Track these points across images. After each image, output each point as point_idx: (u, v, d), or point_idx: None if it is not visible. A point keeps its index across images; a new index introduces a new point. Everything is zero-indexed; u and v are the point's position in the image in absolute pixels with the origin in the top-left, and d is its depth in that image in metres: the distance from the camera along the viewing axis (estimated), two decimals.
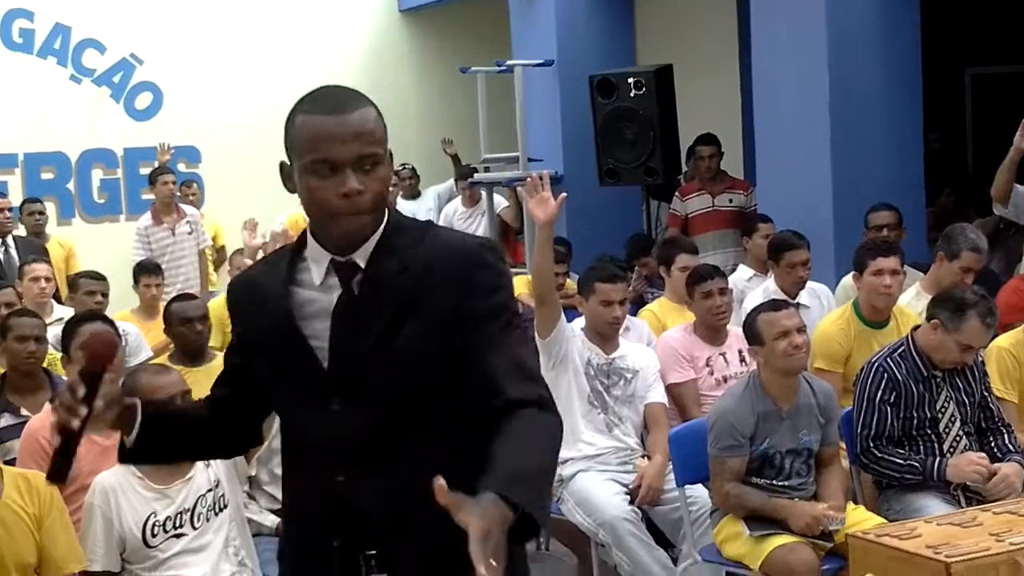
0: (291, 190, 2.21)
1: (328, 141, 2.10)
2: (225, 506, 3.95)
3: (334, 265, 2.19)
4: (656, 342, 5.50)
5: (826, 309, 6.03)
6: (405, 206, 9.90)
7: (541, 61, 9.21)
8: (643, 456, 4.94)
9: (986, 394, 4.58)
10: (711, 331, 5.34)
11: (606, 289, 4.94)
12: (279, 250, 2.34)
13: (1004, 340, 4.91)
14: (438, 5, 11.66)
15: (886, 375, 4.43)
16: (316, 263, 2.21)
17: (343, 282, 2.18)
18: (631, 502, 4.72)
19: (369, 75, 11.01)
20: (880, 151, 7.22)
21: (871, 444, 4.45)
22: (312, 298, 2.20)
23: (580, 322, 5.11)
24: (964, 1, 10.37)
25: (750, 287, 6.57)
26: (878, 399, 4.43)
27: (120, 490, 3.77)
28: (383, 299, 2.15)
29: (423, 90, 11.86)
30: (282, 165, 2.21)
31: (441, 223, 7.81)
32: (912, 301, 5.58)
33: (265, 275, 2.29)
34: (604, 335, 4.99)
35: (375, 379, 2.15)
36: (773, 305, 4.49)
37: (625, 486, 4.79)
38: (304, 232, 2.26)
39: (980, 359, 4.63)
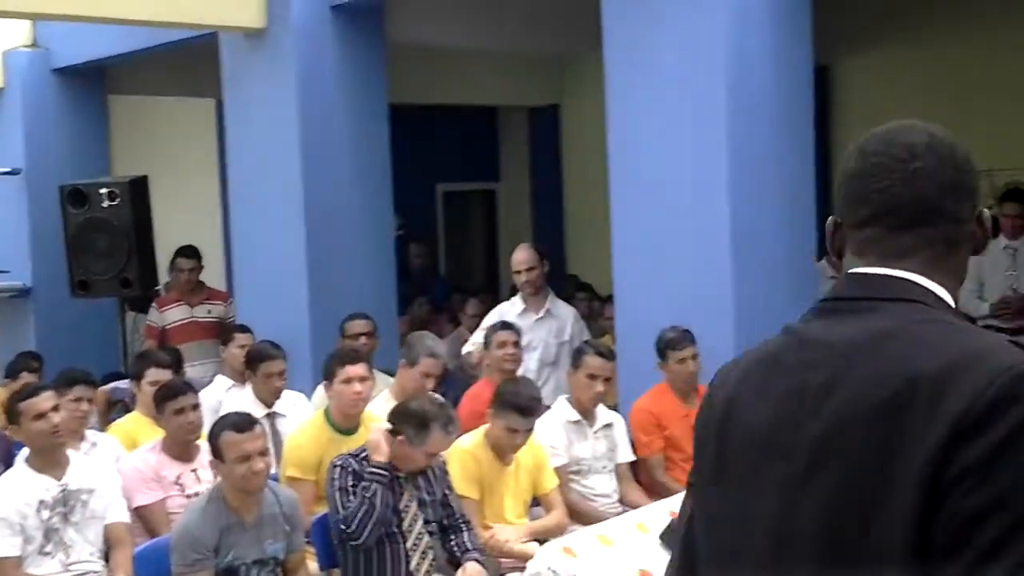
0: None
1: None
2: None
3: None
4: (122, 460, 5.28)
5: (303, 418, 6.08)
6: None
7: (8, 169, 8.77)
8: None
9: (447, 492, 4.78)
10: (181, 447, 5.20)
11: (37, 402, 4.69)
12: None
13: (466, 441, 5.17)
14: None
15: (339, 467, 4.57)
16: None
17: None
18: None
19: None
20: (353, 261, 7.47)
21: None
22: None
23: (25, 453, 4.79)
24: (433, 123, 11.04)
25: (229, 397, 6.51)
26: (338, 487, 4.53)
27: None
28: None
29: None
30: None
31: None
32: (383, 406, 5.75)
33: None
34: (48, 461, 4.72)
35: None
36: (237, 425, 4.39)
37: None
38: None
39: (441, 459, 4.84)
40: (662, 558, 3.67)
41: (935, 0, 8.85)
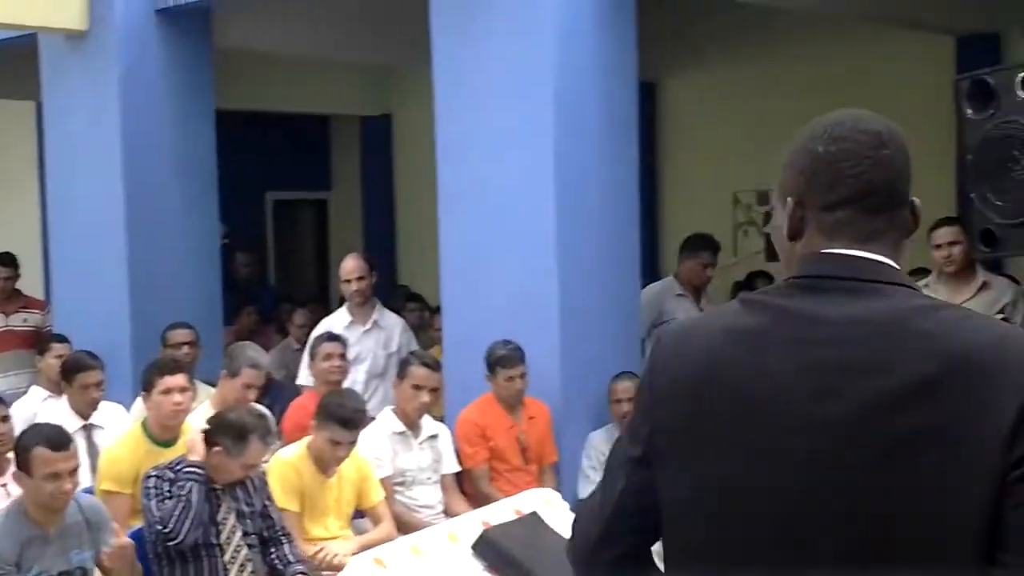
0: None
1: None
2: None
3: None
4: None
5: (121, 430, 5.92)
6: None
7: None
8: None
9: (267, 504, 4.71)
10: None
11: None
12: None
13: (288, 453, 5.10)
14: None
15: (154, 477, 4.49)
16: None
17: None
18: None
19: None
20: (177, 269, 7.31)
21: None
22: None
23: None
24: (265, 130, 10.89)
25: (44, 408, 6.30)
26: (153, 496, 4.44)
27: None
28: None
29: None
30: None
31: None
32: (203, 417, 5.64)
33: None
34: None
35: None
36: (52, 441, 4.15)
37: None
38: None
39: (261, 470, 4.77)
40: (472, 567, 3.70)
41: (758, 22, 9.12)
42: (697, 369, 1.67)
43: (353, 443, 5.04)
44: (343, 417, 4.95)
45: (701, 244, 7.11)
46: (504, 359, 5.70)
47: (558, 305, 5.79)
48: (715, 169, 10.01)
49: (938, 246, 5.82)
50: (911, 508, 1.50)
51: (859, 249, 1.66)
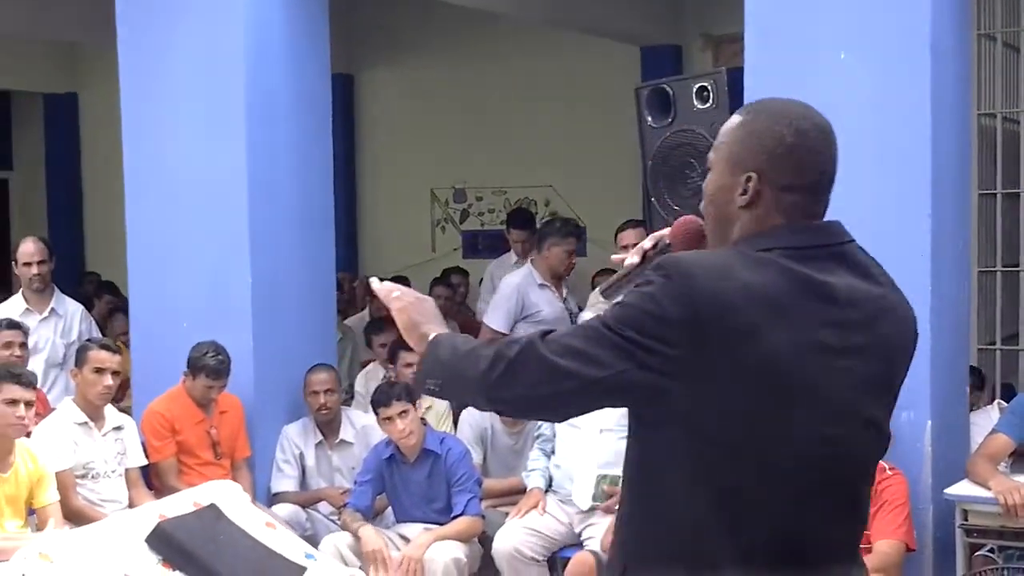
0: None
1: None
2: None
3: None
4: None
5: None
6: None
7: None
8: None
9: None
10: None
11: None
12: None
13: None
14: None
15: None
16: None
17: None
18: None
19: None
20: None
21: None
22: None
23: None
24: None
25: None
26: None
27: None
28: None
29: None
30: None
31: None
32: None
33: None
34: None
35: None
36: None
37: None
38: None
39: None
40: (147, 561, 3.60)
41: (455, 23, 9.28)
42: (757, 310, 1.86)
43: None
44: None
45: (568, 230, 6.85)
46: (211, 371, 5.55)
47: (251, 297, 5.73)
48: (414, 165, 10.13)
49: (623, 247, 6.10)
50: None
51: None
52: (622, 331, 1.86)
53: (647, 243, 2.20)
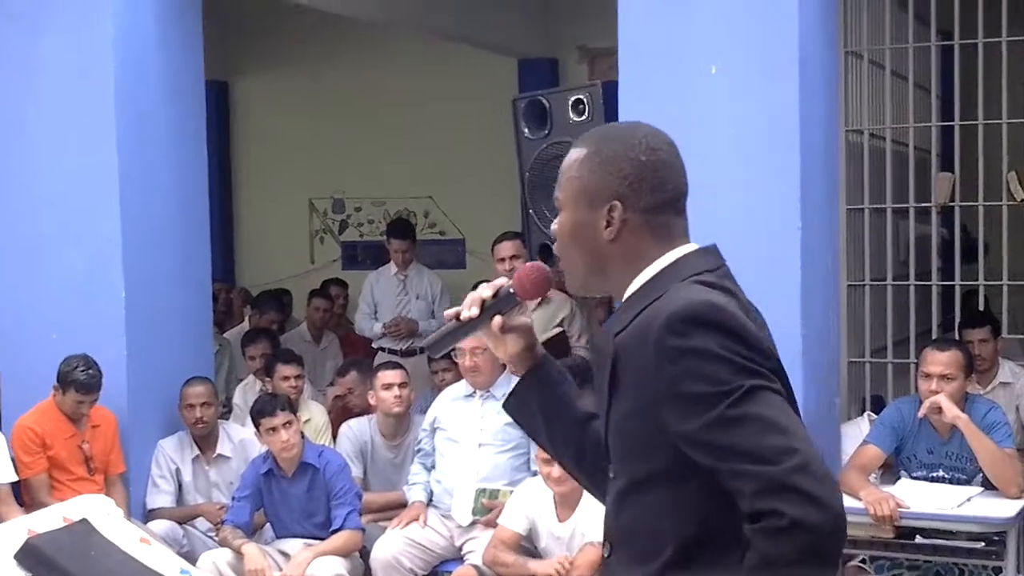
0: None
1: None
2: None
3: None
4: None
5: None
6: None
7: None
8: None
9: None
10: None
11: None
12: None
13: None
14: None
15: None
16: None
17: None
18: None
19: None
20: None
21: None
22: None
23: None
24: None
25: None
26: None
27: None
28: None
29: None
30: None
31: None
32: None
33: None
34: None
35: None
36: None
37: None
38: None
39: None
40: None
41: (330, 30, 9.23)
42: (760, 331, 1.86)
43: None
44: None
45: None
46: (81, 386, 5.43)
47: (124, 308, 5.62)
48: (291, 174, 10.05)
49: (501, 259, 6.13)
50: None
51: (686, 244, 1.94)
52: (745, 383, 1.74)
53: (486, 292, 2.09)
